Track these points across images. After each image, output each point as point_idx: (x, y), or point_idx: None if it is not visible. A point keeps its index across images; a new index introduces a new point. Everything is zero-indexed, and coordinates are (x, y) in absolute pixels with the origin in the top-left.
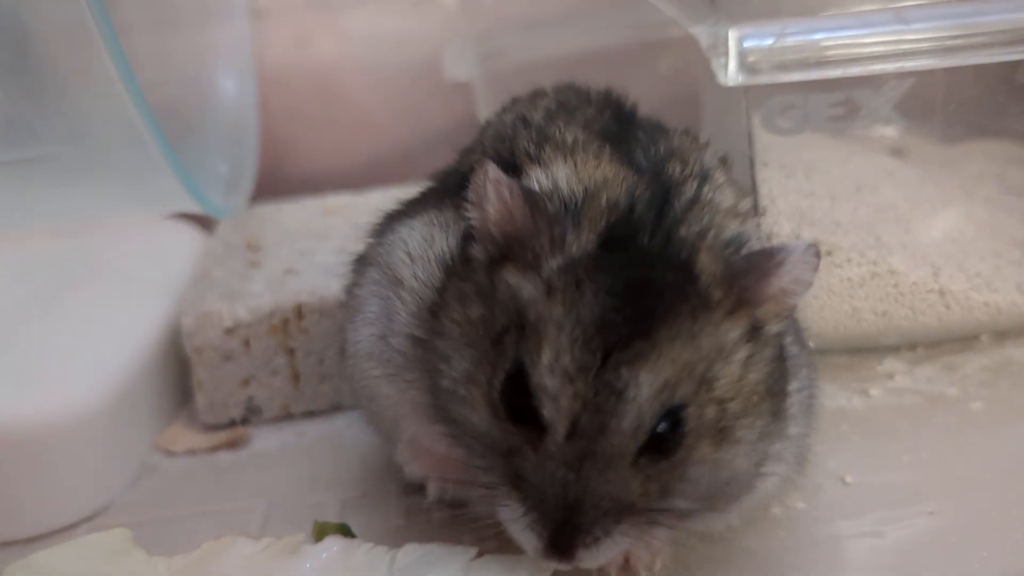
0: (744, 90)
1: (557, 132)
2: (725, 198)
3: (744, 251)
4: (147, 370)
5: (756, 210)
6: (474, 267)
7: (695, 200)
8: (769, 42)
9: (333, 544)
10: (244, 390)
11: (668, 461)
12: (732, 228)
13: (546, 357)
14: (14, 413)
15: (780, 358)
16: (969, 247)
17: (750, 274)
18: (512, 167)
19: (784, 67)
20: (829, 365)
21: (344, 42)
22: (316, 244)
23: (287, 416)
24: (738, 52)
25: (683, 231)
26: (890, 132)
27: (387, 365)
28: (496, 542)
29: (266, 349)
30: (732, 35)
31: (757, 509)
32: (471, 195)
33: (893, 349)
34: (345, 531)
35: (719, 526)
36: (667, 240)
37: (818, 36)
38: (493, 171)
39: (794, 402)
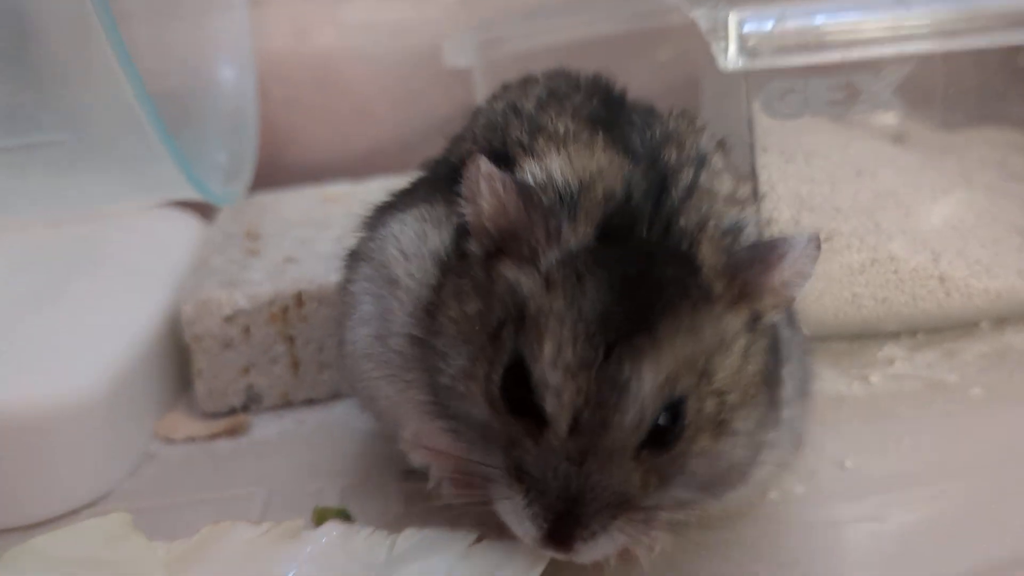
0: (744, 75)
1: (549, 122)
2: (723, 184)
3: (743, 238)
4: (147, 358)
5: (756, 196)
6: (470, 262)
7: (693, 187)
8: (769, 26)
9: (333, 529)
10: (244, 378)
11: (668, 454)
12: (731, 216)
13: (548, 351)
14: (14, 400)
15: (775, 346)
16: (969, 233)
17: (752, 267)
18: (504, 157)
19: (784, 51)
20: (829, 352)
21: (343, 31)
22: (316, 233)
23: (287, 404)
24: (738, 36)
25: (682, 221)
26: (890, 119)
27: (385, 366)
28: (496, 529)
29: (266, 337)
30: (732, 19)
31: (754, 496)
32: (464, 190)
33: (893, 336)
34: (345, 516)
35: (713, 512)
36: (666, 230)
37: (818, 20)
38: (485, 165)
39: (788, 387)
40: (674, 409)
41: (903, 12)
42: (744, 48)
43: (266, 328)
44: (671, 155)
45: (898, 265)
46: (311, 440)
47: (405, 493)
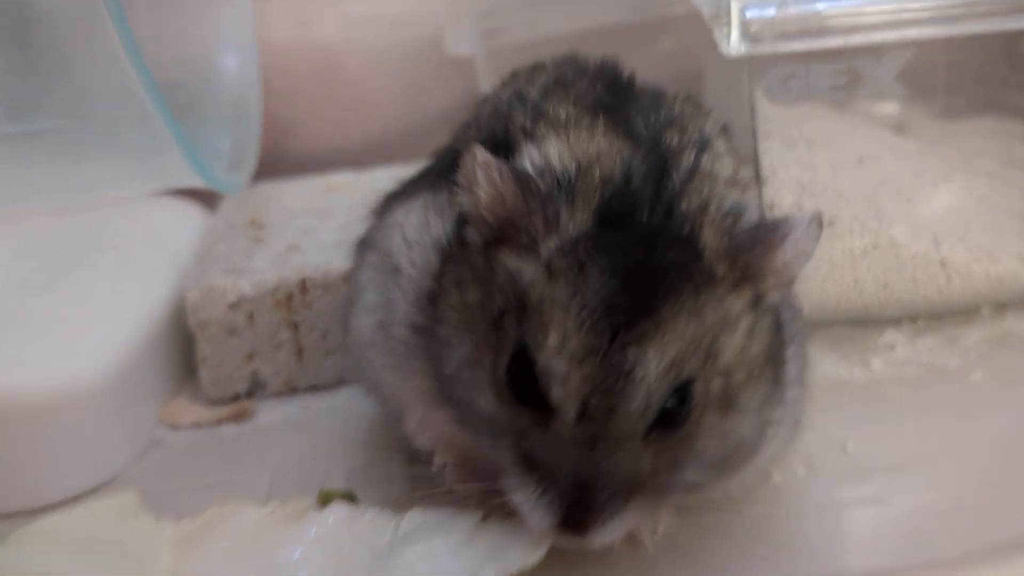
0: (746, 61)
1: (552, 109)
2: (724, 167)
3: (743, 221)
4: (152, 345)
5: (758, 180)
6: (470, 250)
7: (694, 170)
8: (771, 12)
9: (338, 510)
10: (248, 364)
11: (677, 435)
12: (732, 198)
13: (552, 340)
14: (22, 385)
15: (778, 326)
16: (970, 220)
17: (754, 248)
18: (506, 144)
19: (786, 36)
20: (830, 337)
21: (345, 21)
22: (319, 222)
23: (291, 390)
24: (740, 22)
25: (684, 204)
26: (892, 108)
27: (389, 355)
28: (499, 511)
29: (270, 324)
30: (735, 5)
31: (758, 475)
32: (461, 179)
33: (894, 321)
34: (350, 497)
35: (717, 493)
36: (667, 214)
37: (820, 5)
38: (481, 154)
39: (791, 367)
40: (681, 391)
41: None
42: (746, 34)
43: (270, 315)
44: (673, 138)
45: (899, 251)
46: (315, 426)
47: (410, 477)
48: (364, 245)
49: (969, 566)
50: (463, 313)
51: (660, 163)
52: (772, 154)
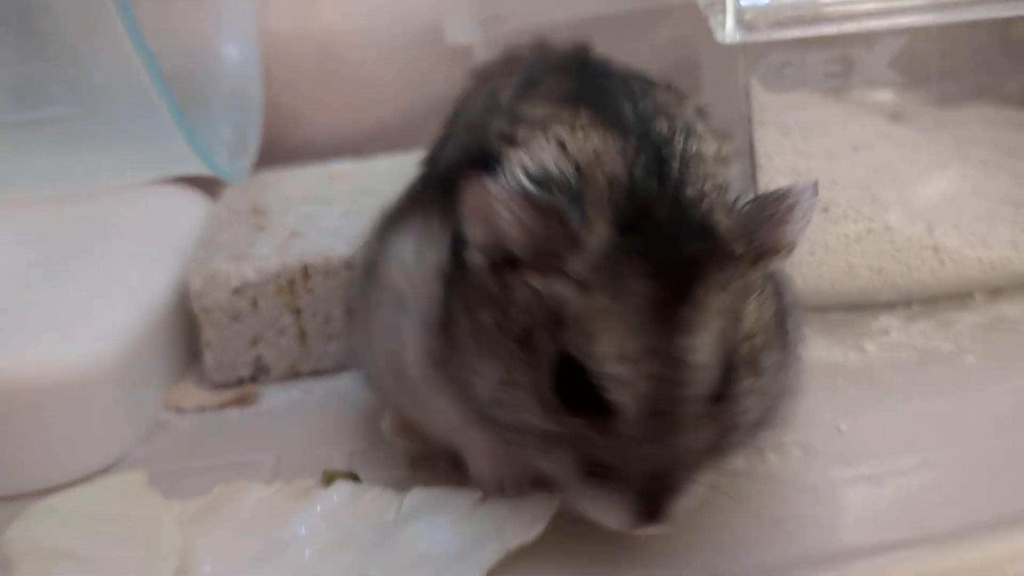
0: (741, 48)
1: (529, 109)
2: (708, 147)
3: (729, 196)
4: (156, 330)
5: (753, 166)
6: (473, 272)
7: (687, 155)
8: None
9: (343, 488)
10: (252, 349)
11: (724, 403)
12: (720, 174)
13: (605, 347)
14: (29, 370)
15: (778, 293)
16: (964, 206)
17: (765, 223)
18: (487, 155)
19: (781, 24)
20: (825, 321)
21: (346, 10)
22: (321, 209)
23: (294, 375)
24: (735, 9)
25: (689, 191)
26: (886, 96)
27: (415, 399)
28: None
29: (273, 309)
30: None
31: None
32: (465, 211)
33: (888, 306)
34: (353, 477)
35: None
36: (676, 202)
37: None
38: (486, 185)
39: (792, 335)
40: (727, 363)
41: None
42: (741, 21)
43: (274, 300)
44: (662, 127)
45: (894, 235)
46: (319, 409)
47: (412, 457)
48: (368, 273)
49: (960, 542)
50: (479, 336)
51: (655, 152)
52: (767, 141)
